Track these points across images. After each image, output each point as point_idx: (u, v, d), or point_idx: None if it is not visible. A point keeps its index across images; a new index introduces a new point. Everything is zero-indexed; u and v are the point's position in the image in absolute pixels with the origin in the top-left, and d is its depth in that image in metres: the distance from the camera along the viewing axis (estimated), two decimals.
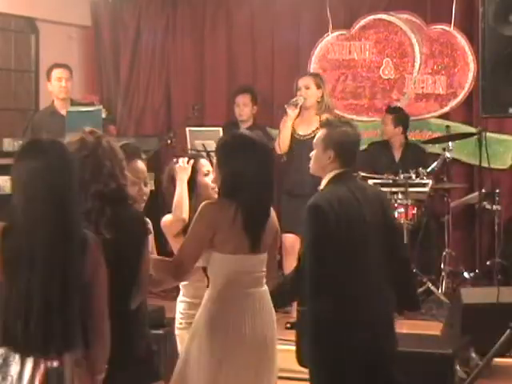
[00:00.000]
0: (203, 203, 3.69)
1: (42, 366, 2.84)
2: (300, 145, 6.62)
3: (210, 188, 4.21)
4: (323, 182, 4.06)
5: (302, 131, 6.76)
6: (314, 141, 4.14)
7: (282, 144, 6.84)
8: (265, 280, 3.77)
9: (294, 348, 5.97)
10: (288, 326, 6.51)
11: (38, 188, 2.86)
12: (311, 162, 4.13)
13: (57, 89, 7.40)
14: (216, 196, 3.90)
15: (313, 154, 4.09)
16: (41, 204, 2.85)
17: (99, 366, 3.00)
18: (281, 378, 5.72)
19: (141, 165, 3.90)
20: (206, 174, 4.33)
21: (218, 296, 3.64)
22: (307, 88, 6.81)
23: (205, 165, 4.40)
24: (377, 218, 3.97)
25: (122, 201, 3.30)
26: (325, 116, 6.69)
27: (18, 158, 2.95)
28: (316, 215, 3.88)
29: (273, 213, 3.82)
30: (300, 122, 6.83)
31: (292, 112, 6.77)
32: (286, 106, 6.88)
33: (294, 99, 6.80)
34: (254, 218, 3.64)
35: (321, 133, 4.13)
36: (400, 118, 7.64)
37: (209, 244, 3.61)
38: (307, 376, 5.68)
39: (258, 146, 3.74)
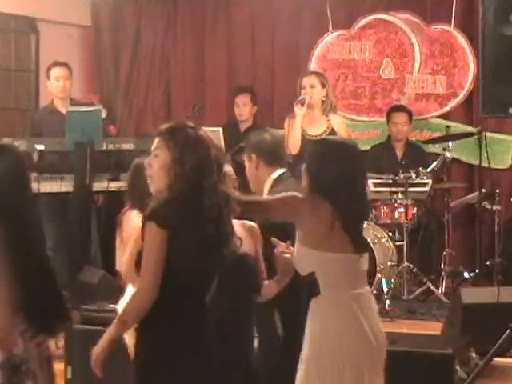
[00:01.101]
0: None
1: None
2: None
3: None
4: (266, 186, 4.19)
5: (312, 131, 6.64)
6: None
7: (293, 145, 6.52)
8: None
9: None
10: None
11: None
12: (250, 181, 4.25)
13: (55, 88, 7.40)
14: None
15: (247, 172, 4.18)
16: None
17: None
18: None
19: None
20: None
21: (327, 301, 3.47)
22: (312, 87, 6.72)
23: None
24: None
25: None
26: (331, 117, 6.67)
27: None
28: None
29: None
30: (308, 122, 6.70)
31: (299, 111, 6.65)
32: (294, 104, 6.77)
33: (301, 97, 6.71)
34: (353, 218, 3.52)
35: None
36: (411, 116, 7.67)
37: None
38: None
39: (348, 148, 3.66)
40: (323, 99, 6.70)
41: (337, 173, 3.47)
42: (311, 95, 6.67)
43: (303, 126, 6.65)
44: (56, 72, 7.39)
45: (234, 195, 3.35)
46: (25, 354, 2.96)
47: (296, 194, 3.51)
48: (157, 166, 3.19)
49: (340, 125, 6.71)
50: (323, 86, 6.73)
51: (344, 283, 3.45)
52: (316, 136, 6.55)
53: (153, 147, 3.26)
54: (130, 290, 4.16)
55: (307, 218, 3.42)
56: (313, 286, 3.42)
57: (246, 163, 4.34)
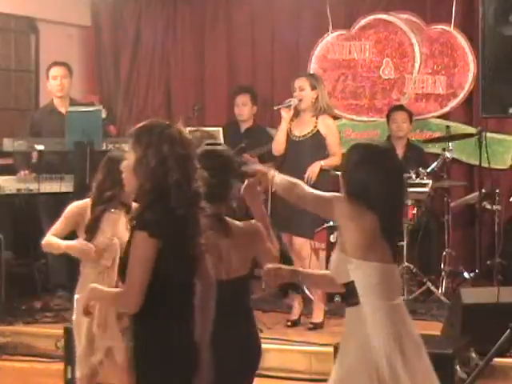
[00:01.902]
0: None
1: None
2: (294, 146, 6.56)
3: None
4: None
5: (298, 132, 6.66)
6: None
7: (276, 147, 6.68)
8: None
9: (293, 348, 6.00)
10: (289, 324, 6.53)
11: None
12: None
13: (54, 87, 7.41)
14: None
15: None
16: None
17: None
18: (279, 377, 5.75)
19: None
20: None
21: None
22: (302, 89, 6.67)
23: None
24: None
25: None
26: (322, 118, 6.63)
27: None
28: None
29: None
30: (296, 124, 6.71)
31: (286, 114, 6.65)
32: (275, 107, 6.78)
33: (287, 101, 6.70)
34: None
35: None
36: (411, 116, 7.67)
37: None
38: (307, 376, 5.71)
39: (384, 152, 3.56)
40: (313, 101, 6.62)
41: (379, 182, 3.37)
42: (300, 97, 6.62)
43: (292, 127, 6.64)
44: (54, 71, 7.40)
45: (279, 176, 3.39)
46: None
47: (339, 196, 3.43)
48: (126, 169, 3.22)
49: (329, 127, 6.59)
50: (313, 88, 6.63)
51: (385, 293, 3.38)
52: (300, 137, 6.56)
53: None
54: None
55: (348, 223, 3.34)
56: (351, 295, 3.36)
57: None
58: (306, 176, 6.30)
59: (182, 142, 3.19)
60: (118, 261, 4.09)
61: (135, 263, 3.04)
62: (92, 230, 4.40)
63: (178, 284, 3.12)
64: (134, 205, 3.80)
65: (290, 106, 6.61)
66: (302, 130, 6.59)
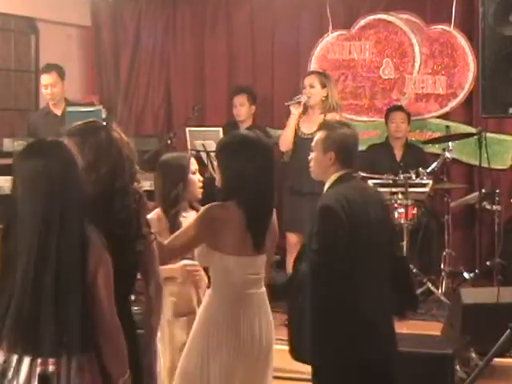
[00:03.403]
0: (209, 205, 3.70)
1: (37, 369, 2.79)
2: (302, 143, 6.59)
3: (197, 185, 4.35)
4: (327, 184, 4.03)
5: (306, 129, 6.71)
6: (313, 143, 4.10)
7: (284, 142, 6.83)
8: (263, 281, 3.80)
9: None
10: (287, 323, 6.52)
11: (36, 186, 2.85)
12: (312, 165, 4.10)
13: (45, 95, 7.44)
14: (200, 194, 4.23)
15: (312, 156, 4.05)
16: (34, 203, 2.84)
17: (113, 369, 2.91)
18: (279, 377, 5.74)
19: None
20: (194, 172, 4.43)
21: (220, 297, 3.67)
22: (312, 86, 6.77)
23: (193, 163, 4.47)
24: (379, 218, 3.97)
25: None
26: (330, 115, 6.69)
27: (20, 159, 2.93)
28: (328, 217, 3.83)
29: (274, 213, 3.83)
30: (304, 121, 6.78)
31: (295, 110, 6.73)
32: (286, 104, 6.86)
33: (297, 97, 6.76)
34: (257, 219, 3.66)
35: (320, 135, 4.07)
36: (409, 117, 7.68)
37: (211, 245, 3.64)
38: (305, 376, 5.69)
39: (258, 146, 3.75)
40: (323, 99, 6.72)
41: (239, 174, 3.64)
42: (310, 95, 6.70)
43: (300, 124, 6.70)
44: (43, 79, 7.40)
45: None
46: (5, 365, 2.84)
47: (215, 204, 3.70)
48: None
49: None
50: (323, 86, 6.75)
51: (240, 283, 3.66)
52: (308, 134, 6.57)
53: None
54: None
55: (225, 226, 3.61)
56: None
57: (319, 154, 4.04)
58: None
59: (126, 144, 3.19)
60: None
61: None
62: None
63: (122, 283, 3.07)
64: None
65: (299, 101, 6.67)
66: (310, 127, 6.62)
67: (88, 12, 9.05)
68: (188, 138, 7.28)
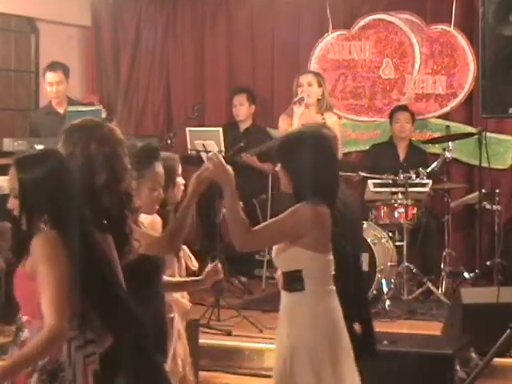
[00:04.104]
0: (301, 204, 3.54)
1: None
2: None
3: (180, 189, 4.23)
4: None
5: None
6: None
7: None
8: None
9: None
10: None
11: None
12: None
13: (49, 93, 7.44)
14: (179, 197, 4.03)
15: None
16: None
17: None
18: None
19: (161, 168, 3.75)
20: (179, 174, 4.34)
21: (317, 297, 3.57)
22: (310, 85, 6.79)
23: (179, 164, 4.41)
24: (357, 219, 4.03)
25: None
26: (327, 115, 6.71)
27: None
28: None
29: None
30: (304, 121, 6.74)
31: (298, 109, 6.72)
32: (292, 103, 6.83)
33: (300, 96, 6.76)
34: (333, 212, 3.59)
35: None
36: (413, 116, 7.69)
37: (300, 244, 3.53)
38: None
39: (323, 137, 3.66)
40: (319, 98, 6.77)
41: (314, 170, 3.51)
42: (308, 93, 6.73)
43: (299, 124, 6.68)
44: (49, 77, 7.41)
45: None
46: (65, 361, 2.88)
47: (305, 203, 3.53)
48: None
49: (335, 124, 6.78)
50: (320, 85, 6.83)
51: (325, 281, 3.58)
52: None
53: None
54: None
55: (314, 224, 3.50)
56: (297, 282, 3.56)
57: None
58: None
59: (112, 141, 3.14)
60: None
61: None
62: None
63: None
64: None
65: (302, 99, 6.66)
66: None
67: (88, 12, 9.05)
68: (188, 138, 7.28)
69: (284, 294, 3.63)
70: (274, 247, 3.63)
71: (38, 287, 2.84)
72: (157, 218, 4.28)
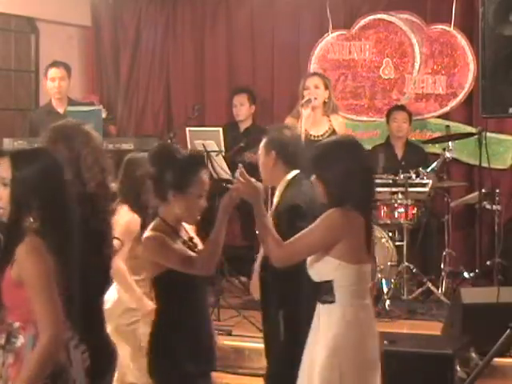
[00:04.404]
0: (333, 209, 3.47)
1: None
2: (312, 146, 6.56)
3: None
4: (279, 189, 4.19)
5: (314, 132, 6.71)
6: (259, 151, 4.29)
7: None
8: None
9: None
10: None
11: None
12: (261, 171, 4.21)
13: (51, 88, 7.43)
14: None
15: (259, 163, 4.10)
16: None
17: None
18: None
19: (206, 176, 3.69)
20: None
21: (348, 311, 3.47)
22: (316, 88, 6.78)
23: None
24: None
25: None
26: (333, 117, 6.72)
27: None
28: (297, 215, 3.94)
29: None
30: (310, 123, 6.72)
31: (305, 111, 6.69)
32: (299, 107, 6.81)
33: (307, 98, 6.74)
34: (370, 222, 3.53)
35: (262, 142, 4.28)
36: (411, 116, 7.69)
37: (331, 253, 3.45)
38: None
39: (356, 146, 3.65)
40: (326, 100, 6.77)
41: (350, 177, 3.47)
42: (315, 96, 6.71)
43: (306, 126, 6.66)
44: (52, 72, 7.41)
45: None
46: (66, 362, 2.91)
47: (338, 209, 3.47)
48: None
49: (341, 125, 6.86)
50: (326, 87, 6.83)
51: (360, 293, 3.49)
52: (318, 137, 6.63)
53: None
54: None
55: (348, 231, 3.45)
56: (328, 293, 3.46)
57: (263, 157, 4.26)
58: None
59: (78, 143, 3.30)
60: None
61: None
62: None
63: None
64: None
65: (309, 101, 6.66)
66: (318, 129, 6.67)
67: (88, 12, 9.05)
68: (188, 138, 7.27)
69: (318, 305, 3.55)
70: (308, 258, 3.54)
71: (27, 295, 2.85)
72: (134, 218, 4.29)
